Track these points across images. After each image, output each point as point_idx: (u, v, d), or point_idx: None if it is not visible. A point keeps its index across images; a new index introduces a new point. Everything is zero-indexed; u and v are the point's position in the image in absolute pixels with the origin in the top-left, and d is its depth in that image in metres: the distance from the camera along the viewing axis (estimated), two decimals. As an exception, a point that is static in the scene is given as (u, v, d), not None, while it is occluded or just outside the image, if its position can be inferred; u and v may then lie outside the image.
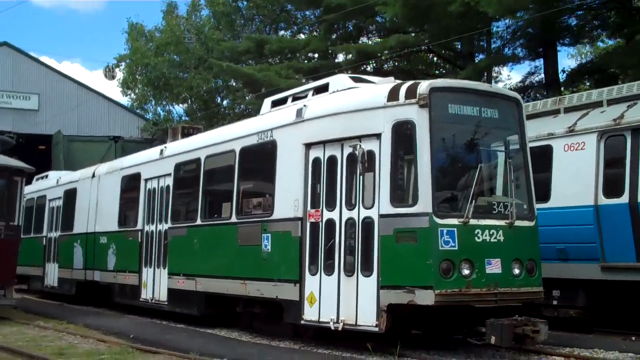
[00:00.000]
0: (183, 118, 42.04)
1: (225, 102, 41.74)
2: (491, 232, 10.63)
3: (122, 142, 35.90)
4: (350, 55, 27.26)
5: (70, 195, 21.86)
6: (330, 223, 11.33)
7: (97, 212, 19.76)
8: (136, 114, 40.03)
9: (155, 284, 16.44)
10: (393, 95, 10.76)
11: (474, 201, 10.50)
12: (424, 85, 10.62)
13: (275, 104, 13.94)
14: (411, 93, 10.61)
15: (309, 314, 11.50)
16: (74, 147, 34.66)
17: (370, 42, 26.98)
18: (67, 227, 21.78)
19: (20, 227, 17.46)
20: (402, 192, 10.71)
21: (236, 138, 13.73)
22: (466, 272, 10.33)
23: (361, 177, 10.94)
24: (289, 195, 12.03)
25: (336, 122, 11.47)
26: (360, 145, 10.85)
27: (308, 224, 11.66)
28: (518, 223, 10.77)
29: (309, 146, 11.80)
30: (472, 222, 10.44)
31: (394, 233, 10.47)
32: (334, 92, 12.31)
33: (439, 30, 24.34)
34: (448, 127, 10.88)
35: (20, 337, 13.44)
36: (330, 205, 11.37)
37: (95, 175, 20.35)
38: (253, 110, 33.61)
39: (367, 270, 10.76)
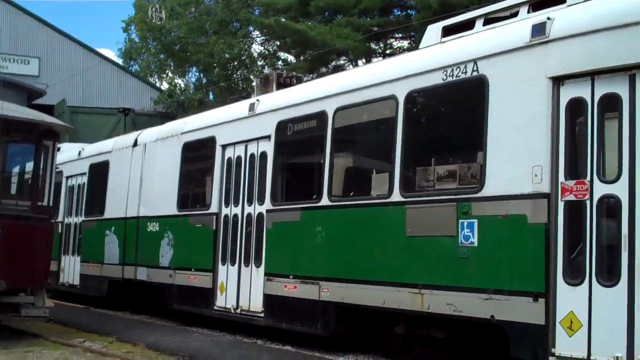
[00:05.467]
0: (191, 92, 37.48)
1: (238, 73, 36.88)
2: None
3: (132, 115, 31.32)
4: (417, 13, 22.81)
5: (99, 171, 17.30)
6: (610, 202, 7.02)
7: (143, 191, 15.26)
8: (149, 84, 35.24)
9: (242, 287, 12.01)
10: None
11: None
12: None
13: (449, 31, 9.53)
14: None
15: (566, 346, 7.20)
16: (78, 119, 29.98)
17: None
18: (95, 211, 17.25)
19: (51, 210, 12.93)
20: None
21: (399, 78, 9.32)
22: None
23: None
24: (517, 158, 7.71)
25: (617, 42, 7.12)
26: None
27: (561, 204, 7.33)
28: None
29: (559, 81, 7.46)
30: None
31: None
32: (578, 3, 7.93)
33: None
34: None
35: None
36: (609, 174, 7.07)
37: (138, 143, 15.82)
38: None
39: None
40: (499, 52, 8.08)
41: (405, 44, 28.20)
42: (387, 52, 28.21)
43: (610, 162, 7.11)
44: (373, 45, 27.96)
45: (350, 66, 27.49)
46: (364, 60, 26.96)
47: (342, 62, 28.29)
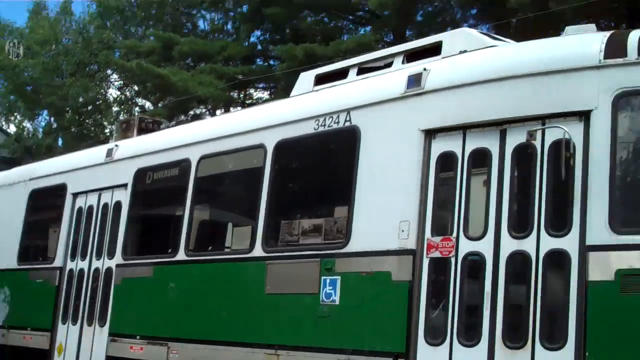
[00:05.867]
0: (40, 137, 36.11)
1: (92, 118, 35.44)
2: None
3: None
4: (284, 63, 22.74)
5: None
6: (474, 259, 6.78)
7: (-19, 241, 13.92)
8: (-7, 127, 33.44)
9: (82, 348, 10.96)
10: (615, 48, 6.50)
11: None
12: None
13: (321, 79, 9.27)
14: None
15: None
16: None
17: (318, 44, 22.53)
18: None
19: None
20: (632, 208, 6.38)
21: (268, 126, 8.89)
22: None
23: (563, 178, 6.47)
24: (385, 213, 7.38)
25: (490, 95, 7.04)
26: (544, 131, 6.55)
27: (426, 261, 7.03)
28: None
29: (431, 134, 7.26)
30: None
31: (618, 278, 6.05)
32: (453, 55, 7.83)
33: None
34: None
35: None
36: (475, 231, 6.85)
37: (-21, 189, 14.53)
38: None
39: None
40: (373, 103, 7.84)
41: (265, 94, 28.29)
42: (247, 102, 28.19)
43: (476, 218, 6.90)
44: (234, 95, 27.88)
45: (209, 115, 27.30)
46: (222, 109, 26.73)
47: (201, 110, 28.09)
